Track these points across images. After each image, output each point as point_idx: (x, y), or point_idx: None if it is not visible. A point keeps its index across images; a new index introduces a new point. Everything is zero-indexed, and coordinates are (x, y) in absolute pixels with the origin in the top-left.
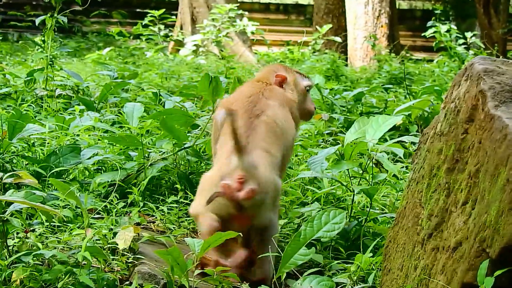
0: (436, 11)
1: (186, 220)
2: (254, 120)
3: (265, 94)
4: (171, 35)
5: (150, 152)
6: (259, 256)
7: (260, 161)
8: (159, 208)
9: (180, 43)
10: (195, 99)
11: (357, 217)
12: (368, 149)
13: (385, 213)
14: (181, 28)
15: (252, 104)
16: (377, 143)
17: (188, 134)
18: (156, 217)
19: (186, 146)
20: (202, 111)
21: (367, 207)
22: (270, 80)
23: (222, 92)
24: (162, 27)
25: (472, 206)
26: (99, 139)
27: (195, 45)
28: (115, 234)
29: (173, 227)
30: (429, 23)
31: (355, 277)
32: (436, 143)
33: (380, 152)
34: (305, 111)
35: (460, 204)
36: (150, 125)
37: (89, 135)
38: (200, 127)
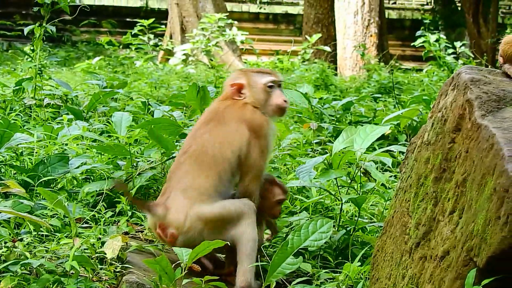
0: (425, 21)
1: None
2: (181, 158)
3: (203, 121)
4: (161, 45)
5: (138, 161)
6: (250, 266)
7: (175, 203)
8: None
9: (169, 52)
10: (184, 108)
11: (345, 226)
12: (356, 158)
13: (374, 222)
14: (171, 38)
15: (186, 141)
16: (365, 152)
17: (176, 143)
18: (144, 226)
19: (174, 155)
20: (191, 120)
21: (356, 216)
22: (228, 94)
23: (210, 101)
24: (151, 36)
25: (460, 215)
26: (87, 149)
27: (184, 54)
28: (103, 243)
29: None
30: (418, 33)
31: (343, 286)
32: (423, 152)
33: (368, 161)
34: (271, 107)
35: (448, 213)
36: (139, 134)
37: (78, 144)
38: None
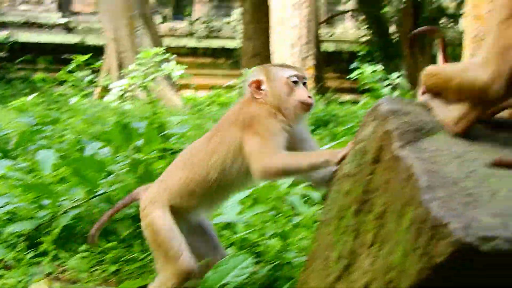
0: (361, 53)
1: (98, 269)
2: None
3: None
4: (97, 80)
5: (63, 200)
6: None
7: (150, 189)
8: (73, 257)
9: (106, 88)
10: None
11: (270, 261)
12: (283, 193)
13: (301, 256)
14: (109, 73)
15: None
16: (292, 185)
17: (102, 181)
18: (68, 266)
19: (98, 193)
20: (116, 157)
21: (283, 251)
22: (248, 94)
23: (135, 137)
24: (88, 72)
25: (379, 247)
26: (15, 187)
27: (121, 90)
28: (26, 283)
29: (85, 276)
30: (353, 65)
31: None
32: (344, 184)
33: (295, 195)
34: (294, 103)
35: (368, 245)
36: (65, 172)
37: (1, 183)
38: (114, 174)
